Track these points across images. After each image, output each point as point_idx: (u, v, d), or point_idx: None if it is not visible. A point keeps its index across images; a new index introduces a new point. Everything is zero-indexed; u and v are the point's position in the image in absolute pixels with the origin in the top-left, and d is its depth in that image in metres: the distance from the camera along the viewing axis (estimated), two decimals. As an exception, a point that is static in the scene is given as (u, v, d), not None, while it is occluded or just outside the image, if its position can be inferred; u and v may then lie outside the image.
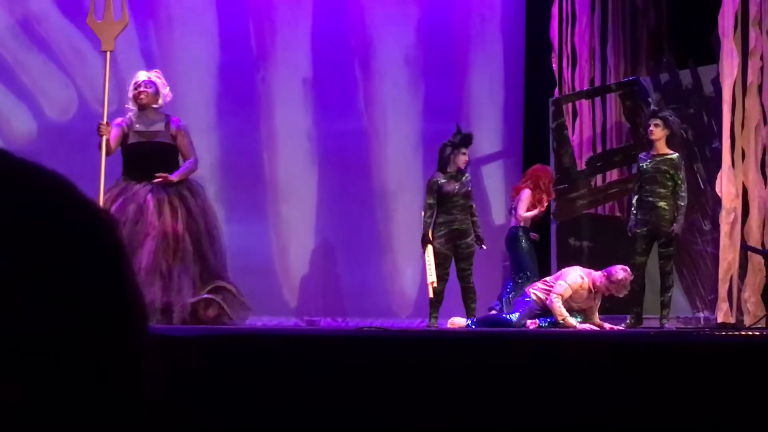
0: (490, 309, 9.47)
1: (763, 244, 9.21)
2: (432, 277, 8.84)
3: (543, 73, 11.35)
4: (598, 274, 8.58)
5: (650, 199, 8.90)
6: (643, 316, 9.08)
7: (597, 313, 8.69)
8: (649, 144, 9.06)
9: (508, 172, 11.44)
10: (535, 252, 9.76)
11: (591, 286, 8.55)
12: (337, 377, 3.94)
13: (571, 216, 10.80)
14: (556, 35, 11.27)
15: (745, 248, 9.18)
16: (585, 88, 11.23)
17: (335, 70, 10.93)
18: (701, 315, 9.89)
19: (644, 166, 8.96)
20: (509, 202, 11.13)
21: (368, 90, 11.09)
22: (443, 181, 8.82)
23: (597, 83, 11.25)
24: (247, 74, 10.67)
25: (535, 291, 8.72)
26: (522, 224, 9.66)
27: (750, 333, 7.20)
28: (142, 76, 8.03)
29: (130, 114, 7.98)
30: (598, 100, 11.21)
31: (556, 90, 11.26)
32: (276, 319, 10.04)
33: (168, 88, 8.14)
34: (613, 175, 10.98)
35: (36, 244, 0.79)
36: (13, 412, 0.77)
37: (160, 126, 7.96)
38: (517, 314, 8.67)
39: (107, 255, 0.83)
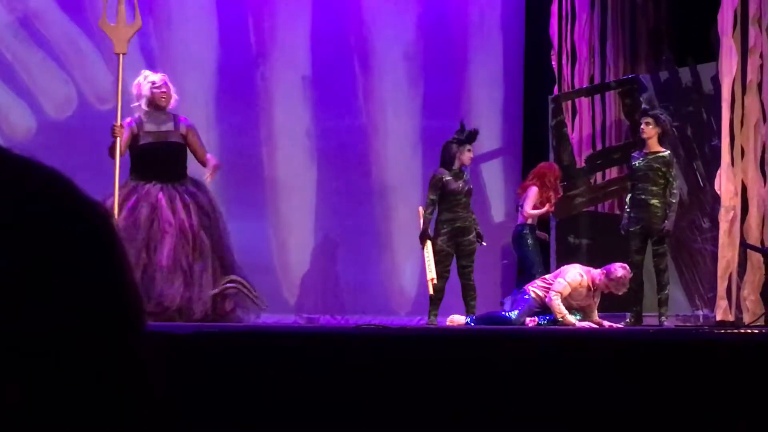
0: (502, 304, 9.53)
1: (762, 242, 9.21)
2: (431, 273, 8.84)
3: (542, 70, 11.35)
4: (597, 272, 8.58)
5: (643, 197, 8.94)
6: (643, 314, 9.09)
7: (596, 311, 8.69)
8: (642, 142, 9.10)
9: (508, 169, 11.44)
10: (541, 250, 9.77)
11: (590, 284, 8.55)
12: (336, 375, 3.94)
13: (571, 214, 10.80)
14: (555, 33, 11.27)
15: (744, 246, 9.19)
16: (584, 86, 11.23)
17: (334, 67, 10.93)
18: (700, 313, 9.90)
19: (637, 165, 9.01)
20: (510, 200, 11.13)
21: (367, 87, 11.09)
22: (448, 178, 8.82)
23: (596, 81, 11.25)
24: (247, 71, 10.67)
25: (534, 289, 8.72)
26: (529, 222, 9.68)
27: (749, 331, 7.21)
28: (157, 76, 7.96)
29: (138, 114, 7.91)
30: (597, 97, 11.21)
31: (556, 87, 11.26)
32: (275, 317, 10.04)
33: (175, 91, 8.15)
34: (613, 172, 10.98)
35: (34, 242, 0.79)
36: (13, 412, 0.77)
37: (170, 126, 7.94)
38: (516, 312, 8.67)
39: (106, 253, 0.83)
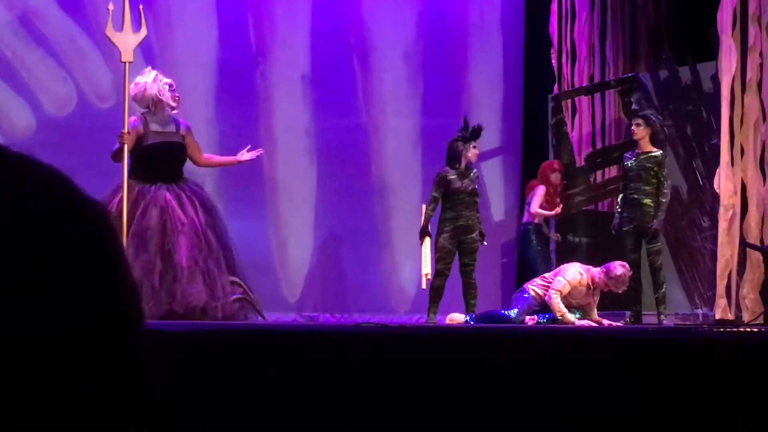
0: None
1: (761, 241, 9.22)
2: (426, 269, 8.86)
3: (542, 69, 11.35)
4: (596, 271, 8.58)
5: (635, 196, 8.99)
6: (642, 313, 9.10)
7: (596, 310, 8.70)
8: (634, 143, 9.15)
9: (507, 168, 11.44)
10: (545, 250, 9.75)
11: (590, 283, 8.56)
12: (336, 373, 3.94)
13: (570, 212, 10.80)
14: (555, 31, 11.27)
15: (743, 245, 9.20)
16: (584, 85, 11.23)
17: (334, 66, 10.93)
18: (700, 311, 9.91)
19: (629, 165, 9.08)
20: (510, 199, 11.13)
21: (367, 86, 11.09)
22: (452, 177, 8.82)
23: (596, 80, 11.25)
24: (246, 70, 10.67)
25: (534, 287, 8.72)
26: (534, 221, 9.68)
27: (748, 330, 7.21)
28: (167, 78, 7.98)
29: (142, 114, 7.92)
30: (597, 96, 11.21)
31: (556, 86, 11.25)
32: (274, 315, 10.04)
33: None
34: (612, 171, 10.98)
35: (34, 241, 0.79)
36: (13, 411, 0.77)
37: (172, 127, 7.98)
38: (515, 310, 8.67)
39: (105, 252, 0.83)
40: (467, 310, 8.84)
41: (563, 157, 10.85)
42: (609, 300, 9.08)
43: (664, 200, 8.98)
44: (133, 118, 7.82)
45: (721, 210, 9.27)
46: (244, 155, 8.35)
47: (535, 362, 4.05)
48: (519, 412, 3.90)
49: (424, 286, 8.95)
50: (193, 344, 4.11)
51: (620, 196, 9.26)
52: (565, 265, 8.90)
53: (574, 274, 8.57)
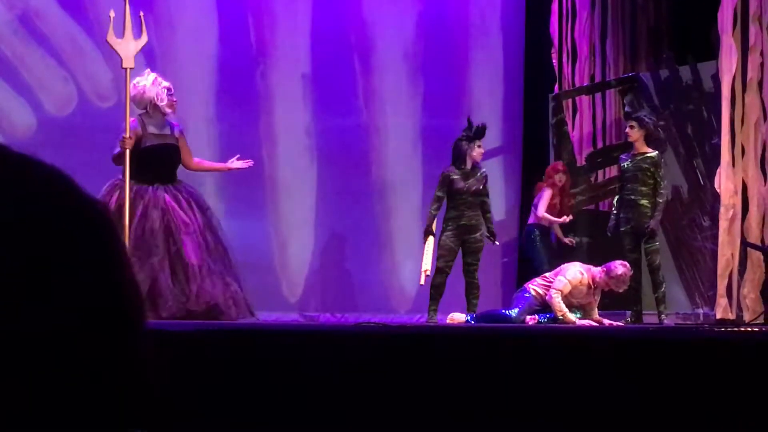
0: None
1: (762, 241, 9.22)
2: (426, 265, 8.88)
3: (543, 68, 11.35)
4: (597, 270, 8.58)
5: (632, 197, 9.01)
6: (642, 312, 9.10)
7: (596, 309, 8.70)
8: (630, 144, 9.17)
9: (508, 168, 11.43)
10: (550, 252, 9.72)
11: (591, 282, 8.56)
12: (336, 373, 3.94)
13: (571, 212, 10.79)
14: (556, 31, 11.27)
15: (744, 245, 9.20)
16: (585, 84, 11.23)
17: (334, 65, 10.92)
18: (700, 311, 9.90)
19: (625, 166, 9.11)
20: (510, 198, 11.12)
21: (367, 85, 11.08)
22: (456, 177, 8.83)
23: (597, 79, 11.24)
24: (247, 70, 10.67)
25: (535, 287, 8.72)
26: (540, 223, 9.67)
27: (749, 329, 7.21)
28: (166, 82, 8.05)
29: (140, 115, 7.99)
30: (598, 96, 11.21)
31: (556, 86, 11.26)
32: (275, 315, 10.04)
33: None
34: (613, 171, 10.97)
35: (34, 241, 0.79)
36: (13, 411, 0.77)
37: (167, 129, 8.10)
38: (516, 310, 8.67)
39: (106, 252, 0.83)
40: (468, 310, 8.84)
41: (564, 157, 10.85)
42: (610, 299, 9.08)
43: (661, 200, 8.99)
44: (131, 119, 7.87)
45: (722, 209, 9.27)
46: (234, 163, 8.45)
47: (535, 362, 4.05)
48: (520, 412, 3.90)
49: (422, 282, 9.00)
50: (193, 344, 4.11)
51: (616, 197, 9.29)
52: (565, 264, 8.90)
53: (574, 273, 8.57)
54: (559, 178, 9.81)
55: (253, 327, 6.45)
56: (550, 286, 8.57)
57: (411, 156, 11.13)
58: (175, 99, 8.05)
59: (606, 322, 8.57)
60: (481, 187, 8.90)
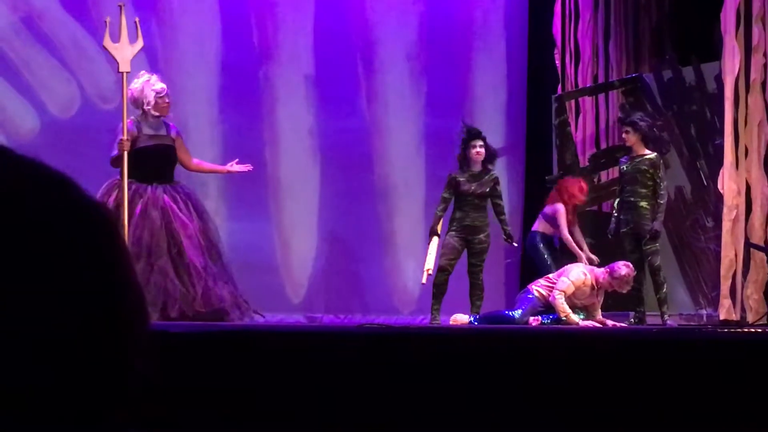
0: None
1: (766, 241, 9.21)
2: (428, 265, 8.91)
3: (546, 69, 11.35)
4: (600, 271, 8.58)
5: (631, 199, 9.03)
6: (646, 313, 9.10)
7: (600, 310, 8.69)
8: (628, 148, 9.19)
9: (511, 168, 11.42)
10: (555, 256, 9.65)
11: (594, 283, 8.56)
12: (340, 374, 3.94)
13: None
14: (559, 32, 11.26)
15: (748, 245, 9.19)
16: (588, 85, 11.22)
17: (337, 66, 10.92)
18: (704, 312, 9.89)
19: (624, 168, 9.16)
20: (513, 199, 11.10)
21: (371, 86, 11.08)
22: (462, 179, 8.89)
23: (600, 80, 11.24)
24: (250, 71, 10.67)
25: (538, 288, 8.72)
26: (541, 230, 9.59)
27: (752, 330, 7.21)
28: (162, 84, 8.13)
29: (135, 117, 8.11)
30: (601, 97, 11.20)
31: (559, 86, 11.25)
32: (278, 316, 10.04)
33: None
34: (615, 172, 10.95)
35: (37, 243, 0.79)
36: (13, 411, 0.77)
37: (164, 131, 8.26)
38: (519, 311, 8.67)
39: (108, 254, 0.83)
40: (472, 311, 8.84)
41: (567, 158, 10.85)
42: (613, 300, 9.07)
43: (662, 202, 9.00)
44: (127, 121, 8.00)
45: (725, 210, 9.26)
46: (234, 167, 8.55)
47: (539, 363, 4.05)
48: (523, 412, 3.90)
49: (423, 280, 9.02)
50: (195, 345, 4.11)
51: (617, 200, 9.30)
52: (569, 265, 8.89)
53: (578, 274, 8.57)
54: (580, 199, 9.57)
55: (256, 328, 6.46)
56: (553, 287, 8.56)
57: (414, 157, 11.12)
58: (167, 101, 8.16)
59: (609, 323, 8.56)
60: (488, 189, 8.91)
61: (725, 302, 9.22)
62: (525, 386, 3.93)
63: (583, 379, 3.95)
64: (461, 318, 8.73)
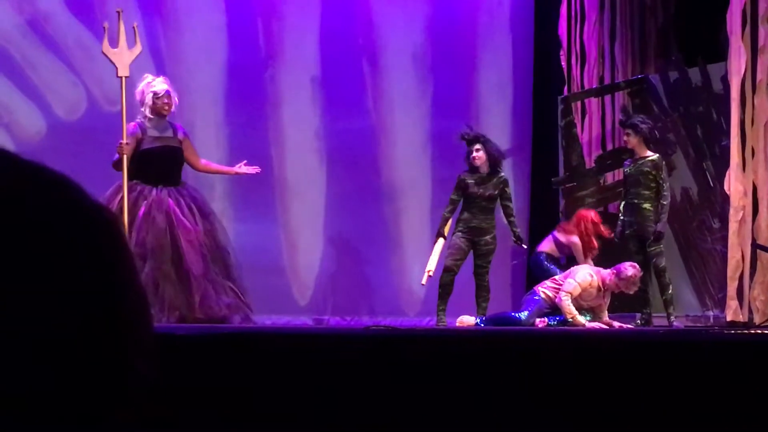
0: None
1: (772, 242, 9.19)
2: (430, 266, 8.93)
3: (552, 71, 11.34)
4: (607, 272, 8.58)
5: (635, 201, 9.06)
6: (652, 315, 9.09)
7: (606, 312, 8.69)
8: (631, 150, 9.17)
9: (517, 170, 11.41)
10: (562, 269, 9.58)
11: (600, 284, 8.55)
12: (346, 376, 3.94)
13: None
14: (565, 33, 11.25)
15: (754, 247, 9.18)
16: (594, 86, 11.21)
17: (343, 68, 10.93)
18: (710, 313, 9.88)
19: (628, 171, 9.21)
20: (519, 200, 11.09)
21: (376, 88, 11.08)
22: (470, 181, 8.94)
23: (606, 81, 11.23)
24: (256, 72, 10.67)
25: (544, 289, 8.71)
26: (546, 251, 9.54)
27: (759, 331, 7.20)
28: (162, 85, 8.14)
29: (140, 119, 8.13)
30: (607, 98, 11.18)
31: (565, 88, 11.24)
32: (284, 318, 10.04)
33: (176, 95, 8.35)
34: (621, 173, 10.96)
35: (36, 243, 0.79)
36: (13, 411, 0.77)
37: (170, 132, 8.27)
38: (526, 312, 8.66)
39: (111, 257, 0.83)
40: (478, 313, 8.85)
41: (573, 159, 10.84)
42: (619, 302, 9.07)
43: (665, 203, 9.02)
44: (132, 123, 8.05)
45: (732, 211, 9.25)
46: (242, 168, 8.58)
47: (545, 365, 4.04)
48: (530, 414, 3.89)
49: (423, 281, 9.03)
50: (201, 347, 4.11)
51: (622, 203, 9.33)
52: (575, 267, 8.89)
53: (584, 275, 8.56)
54: (587, 227, 9.44)
55: (262, 330, 6.46)
56: (559, 289, 8.56)
57: (420, 158, 11.12)
58: (165, 101, 8.14)
59: (616, 324, 8.55)
60: (496, 192, 8.95)
61: (732, 303, 9.21)
62: (531, 388, 3.93)
63: (590, 380, 3.94)
64: (467, 320, 8.73)
